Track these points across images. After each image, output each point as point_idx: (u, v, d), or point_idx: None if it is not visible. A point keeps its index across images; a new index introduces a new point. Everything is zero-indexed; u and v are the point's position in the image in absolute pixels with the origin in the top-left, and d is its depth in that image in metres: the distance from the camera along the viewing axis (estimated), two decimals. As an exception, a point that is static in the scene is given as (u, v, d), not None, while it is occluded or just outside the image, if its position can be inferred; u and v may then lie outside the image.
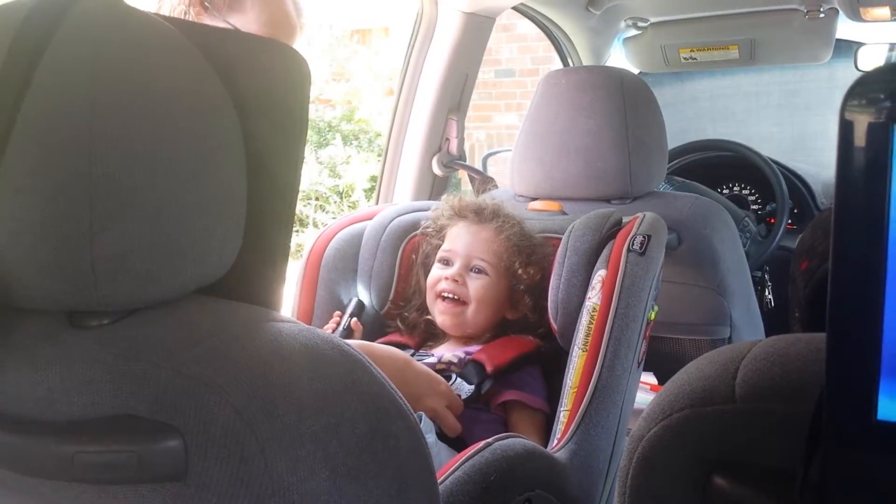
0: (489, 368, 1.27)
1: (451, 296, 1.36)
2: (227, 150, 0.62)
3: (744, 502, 0.47)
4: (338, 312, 1.42)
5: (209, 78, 0.62)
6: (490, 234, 1.38)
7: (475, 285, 1.36)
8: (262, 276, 0.67)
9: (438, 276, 1.38)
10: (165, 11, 1.06)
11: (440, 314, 1.37)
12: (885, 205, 0.39)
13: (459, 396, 1.24)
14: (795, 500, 0.44)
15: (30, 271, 0.56)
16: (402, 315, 1.46)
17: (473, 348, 1.33)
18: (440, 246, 1.43)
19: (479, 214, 1.42)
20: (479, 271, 1.36)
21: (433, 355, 1.33)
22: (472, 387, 1.25)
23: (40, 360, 0.58)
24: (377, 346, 1.22)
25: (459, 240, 1.40)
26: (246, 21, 1.08)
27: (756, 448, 0.48)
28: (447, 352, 1.33)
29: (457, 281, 1.36)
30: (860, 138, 0.39)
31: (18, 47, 0.56)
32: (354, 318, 1.40)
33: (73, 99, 0.55)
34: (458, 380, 1.26)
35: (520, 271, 1.37)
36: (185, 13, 1.06)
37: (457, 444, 1.17)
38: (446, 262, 1.39)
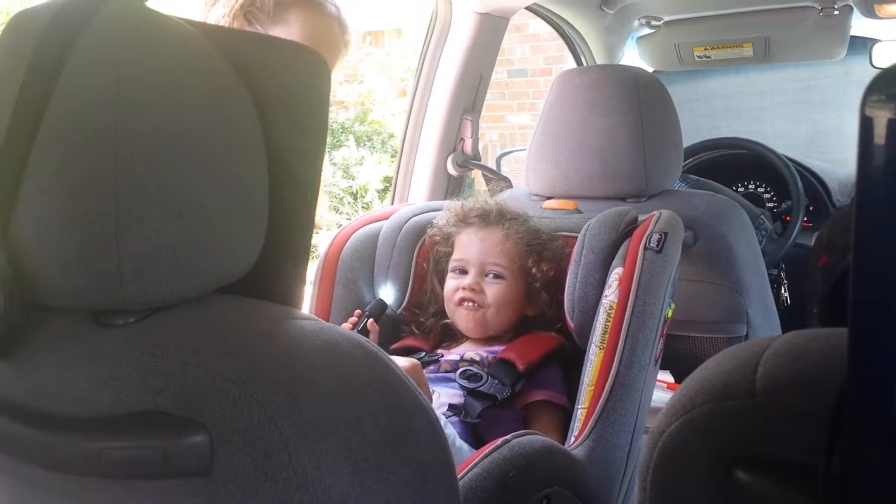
0: (521, 367, 1.28)
1: (471, 304, 1.36)
2: (248, 151, 0.63)
3: (765, 496, 0.47)
4: (357, 311, 1.43)
5: (231, 80, 0.63)
6: (499, 237, 1.38)
7: (493, 290, 1.36)
8: (283, 275, 0.67)
9: (455, 286, 1.39)
10: (211, 22, 1.08)
11: (462, 320, 1.38)
12: (907, 199, 0.39)
13: (496, 398, 1.25)
14: (817, 493, 0.44)
15: (56, 270, 0.57)
16: (419, 321, 1.46)
17: (497, 348, 1.34)
18: (450, 253, 1.43)
19: (485, 219, 1.42)
20: (496, 276, 1.37)
21: (455, 353, 1.34)
22: (508, 388, 1.26)
23: (67, 357, 0.59)
24: None
25: (470, 247, 1.40)
26: (289, 34, 1.10)
27: (777, 442, 0.48)
28: (468, 350, 1.34)
29: (474, 289, 1.36)
30: (880, 133, 0.39)
31: (43, 49, 0.57)
32: (371, 319, 1.41)
33: (98, 100, 0.56)
34: (491, 380, 1.26)
35: (534, 270, 1.37)
36: (229, 25, 1.08)
37: (478, 443, 1.17)
38: (461, 272, 1.40)
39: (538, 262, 1.37)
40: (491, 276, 1.37)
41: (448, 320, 1.42)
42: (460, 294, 1.37)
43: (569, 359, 1.33)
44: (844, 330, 0.41)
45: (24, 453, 0.60)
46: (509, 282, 1.36)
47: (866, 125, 0.39)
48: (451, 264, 1.41)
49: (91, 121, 0.56)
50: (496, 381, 1.26)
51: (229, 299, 0.64)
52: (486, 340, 1.38)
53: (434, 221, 1.49)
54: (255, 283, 0.65)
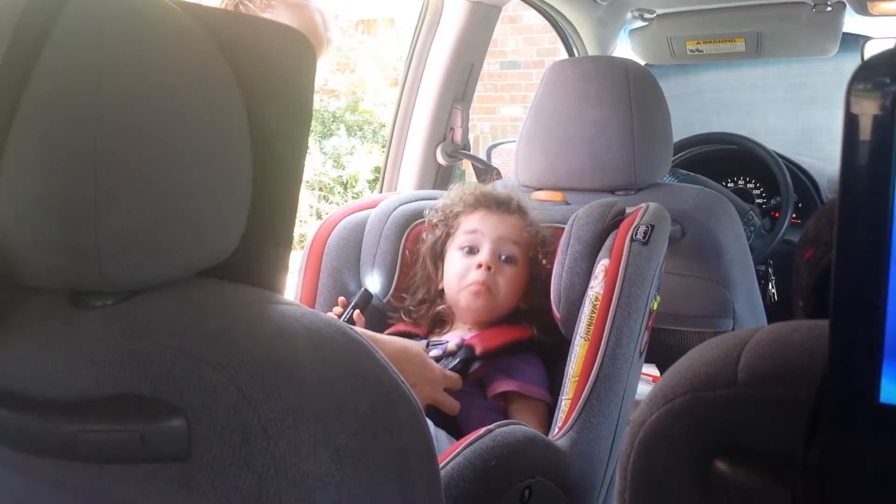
0: (478, 350, 1.27)
1: (483, 288, 1.32)
2: (231, 133, 0.62)
3: (745, 486, 0.47)
4: (342, 299, 1.42)
5: (215, 60, 0.63)
6: (517, 221, 1.37)
7: (504, 274, 1.33)
8: (265, 260, 0.67)
9: (467, 265, 1.34)
10: None
11: (470, 301, 1.33)
12: (890, 190, 0.39)
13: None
14: (796, 483, 0.44)
15: (34, 249, 0.57)
16: (408, 308, 1.44)
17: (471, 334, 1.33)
18: (449, 234, 1.41)
19: (503, 205, 1.39)
20: (509, 259, 1.35)
21: (446, 342, 1.33)
22: (456, 361, 1.25)
23: (45, 339, 0.59)
24: (379, 337, 1.22)
25: (486, 222, 1.36)
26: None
27: (758, 433, 0.48)
28: (452, 339, 1.33)
29: (490, 268, 1.32)
30: (865, 122, 0.39)
31: (25, 27, 0.56)
32: (357, 311, 1.40)
33: (79, 78, 0.55)
34: (446, 359, 1.26)
35: (544, 261, 1.36)
36: None
37: (454, 429, 1.17)
38: (471, 248, 1.36)
39: (545, 255, 1.37)
40: (503, 257, 1.35)
41: (438, 307, 1.41)
42: (473, 275, 1.32)
43: (551, 351, 1.33)
44: (827, 322, 0.41)
45: (0, 435, 0.59)
46: (520, 268, 1.35)
47: (851, 117, 0.39)
48: (460, 240, 1.37)
49: (71, 99, 0.55)
50: (449, 359, 1.25)
51: (210, 283, 0.64)
52: (472, 326, 1.37)
53: (437, 202, 1.46)
54: (237, 267, 0.65)
